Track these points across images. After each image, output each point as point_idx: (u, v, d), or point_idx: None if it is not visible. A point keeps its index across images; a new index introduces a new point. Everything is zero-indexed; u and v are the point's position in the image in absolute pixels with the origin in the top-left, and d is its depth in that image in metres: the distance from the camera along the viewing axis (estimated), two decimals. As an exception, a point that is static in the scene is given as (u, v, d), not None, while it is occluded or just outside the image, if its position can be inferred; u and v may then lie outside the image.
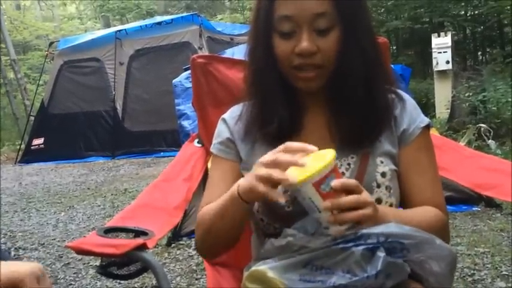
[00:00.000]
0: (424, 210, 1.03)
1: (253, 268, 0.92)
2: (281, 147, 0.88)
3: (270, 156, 0.88)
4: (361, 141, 1.04)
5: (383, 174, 1.02)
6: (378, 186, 1.02)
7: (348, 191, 0.85)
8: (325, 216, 0.85)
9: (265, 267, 0.88)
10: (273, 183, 0.86)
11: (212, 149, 1.17)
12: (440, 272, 0.90)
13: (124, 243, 1.18)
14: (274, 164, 0.86)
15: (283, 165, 0.86)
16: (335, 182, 0.84)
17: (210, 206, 1.03)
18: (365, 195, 0.87)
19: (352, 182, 0.87)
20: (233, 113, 1.17)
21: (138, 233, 1.26)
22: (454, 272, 0.96)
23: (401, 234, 0.87)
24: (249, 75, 1.10)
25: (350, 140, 1.04)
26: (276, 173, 0.85)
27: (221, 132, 1.17)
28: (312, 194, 0.84)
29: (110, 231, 1.27)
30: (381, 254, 0.84)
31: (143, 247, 1.17)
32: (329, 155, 0.86)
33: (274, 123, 1.05)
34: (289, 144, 0.88)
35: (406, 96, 1.12)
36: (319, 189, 0.84)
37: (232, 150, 1.14)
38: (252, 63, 1.08)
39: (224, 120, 1.18)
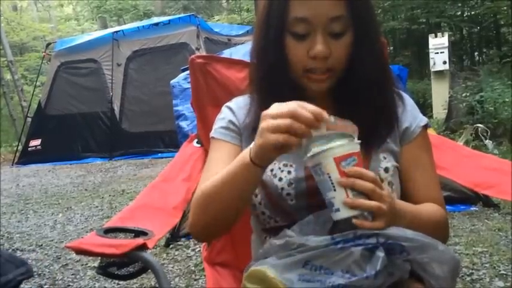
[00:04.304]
0: (429, 207, 1.04)
1: (253, 268, 0.91)
2: (293, 104, 0.81)
3: (282, 108, 0.82)
4: (369, 143, 1.03)
5: (386, 170, 1.03)
6: (381, 181, 1.02)
7: (364, 180, 0.83)
8: (339, 196, 0.84)
9: (265, 267, 0.88)
10: (293, 131, 0.79)
11: (213, 134, 1.13)
12: (442, 275, 0.89)
13: (124, 244, 1.17)
14: (292, 116, 0.80)
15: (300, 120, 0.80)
16: (350, 168, 0.83)
17: (211, 180, 0.96)
18: (385, 191, 0.85)
19: (371, 173, 0.85)
20: (239, 103, 1.15)
21: (138, 233, 1.25)
22: (457, 277, 0.96)
23: (403, 237, 0.87)
24: (258, 73, 1.08)
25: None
26: (296, 123, 0.79)
27: (226, 117, 1.14)
28: (332, 168, 0.82)
29: (109, 231, 1.26)
30: (381, 254, 0.84)
31: (143, 247, 1.17)
32: (355, 134, 0.85)
33: None
34: (305, 104, 0.82)
35: (404, 95, 1.15)
36: (339, 165, 0.82)
37: (237, 136, 1.11)
38: (262, 63, 1.06)
39: (230, 108, 1.15)
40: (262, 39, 1.05)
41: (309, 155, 0.85)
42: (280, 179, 1.02)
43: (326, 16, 0.96)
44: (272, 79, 1.05)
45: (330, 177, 0.84)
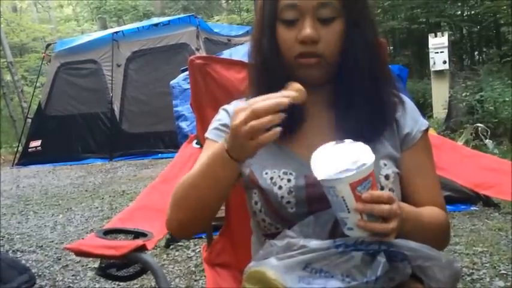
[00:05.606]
0: (430, 209, 1.04)
1: (253, 269, 0.91)
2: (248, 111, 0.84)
3: (245, 112, 0.84)
4: (364, 135, 1.00)
5: (386, 177, 1.02)
6: (382, 188, 1.01)
7: (380, 203, 0.83)
8: (353, 219, 0.84)
9: (265, 268, 0.88)
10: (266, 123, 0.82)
11: (207, 134, 1.13)
12: (443, 279, 0.89)
13: (123, 245, 1.17)
14: (255, 115, 0.83)
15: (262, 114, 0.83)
16: (366, 195, 0.82)
17: (189, 173, 0.99)
18: (396, 207, 0.85)
19: (385, 194, 0.85)
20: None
21: (137, 235, 1.26)
22: (457, 283, 0.96)
23: (406, 246, 0.87)
24: (254, 67, 1.09)
25: (353, 134, 1.01)
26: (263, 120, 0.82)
27: (221, 119, 1.14)
28: (347, 193, 0.82)
29: (108, 232, 1.27)
30: (382, 259, 0.84)
31: (143, 248, 1.17)
32: (370, 156, 0.85)
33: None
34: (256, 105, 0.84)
35: (406, 98, 1.13)
36: (355, 190, 0.82)
37: None
38: (257, 53, 1.07)
39: (226, 111, 1.15)
40: (257, 31, 1.07)
41: (322, 178, 0.84)
42: (280, 187, 1.01)
43: (315, 1, 0.98)
44: (267, 70, 1.05)
45: (344, 200, 0.83)
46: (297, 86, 0.87)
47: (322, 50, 0.99)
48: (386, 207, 0.83)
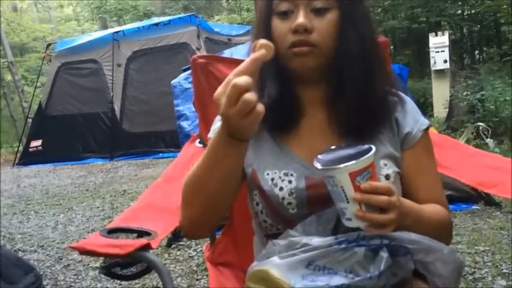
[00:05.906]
0: (432, 206, 1.04)
1: (256, 268, 0.91)
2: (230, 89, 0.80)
3: (226, 94, 0.80)
4: (361, 129, 1.02)
5: (387, 177, 1.02)
6: None
7: (378, 193, 0.84)
8: (352, 209, 0.84)
9: (268, 267, 0.88)
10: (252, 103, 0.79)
11: (210, 134, 1.13)
12: (446, 274, 0.89)
13: (128, 244, 1.18)
14: (239, 91, 0.79)
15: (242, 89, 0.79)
16: (365, 185, 0.83)
17: (193, 169, 0.96)
18: (395, 199, 0.86)
19: (384, 185, 0.86)
20: None
21: (141, 234, 1.26)
22: (460, 278, 0.96)
23: (408, 239, 0.87)
24: None
25: (350, 129, 1.03)
26: (250, 95, 0.78)
27: None
28: (346, 183, 0.83)
29: (112, 231, 1.27)
30: (384, 254, 0.84)
31: (147, 247, 1.17)
32: (370, 147, 0.85)
33: (275, 113, 1.02)
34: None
35: (406, 98, 1.13)
36: (354, 180, 0.82)
37: None
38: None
39: None
40: (255, 26, 1.09)
41: (322, 167, 0.85)
42: (281, 189, 1.01)
43: None
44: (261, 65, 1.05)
45: (343, 189, 0.84)
46: (262, 41, 0.84)
47: (315, 39, 1.00)
48: (384, 198, 0.84)
